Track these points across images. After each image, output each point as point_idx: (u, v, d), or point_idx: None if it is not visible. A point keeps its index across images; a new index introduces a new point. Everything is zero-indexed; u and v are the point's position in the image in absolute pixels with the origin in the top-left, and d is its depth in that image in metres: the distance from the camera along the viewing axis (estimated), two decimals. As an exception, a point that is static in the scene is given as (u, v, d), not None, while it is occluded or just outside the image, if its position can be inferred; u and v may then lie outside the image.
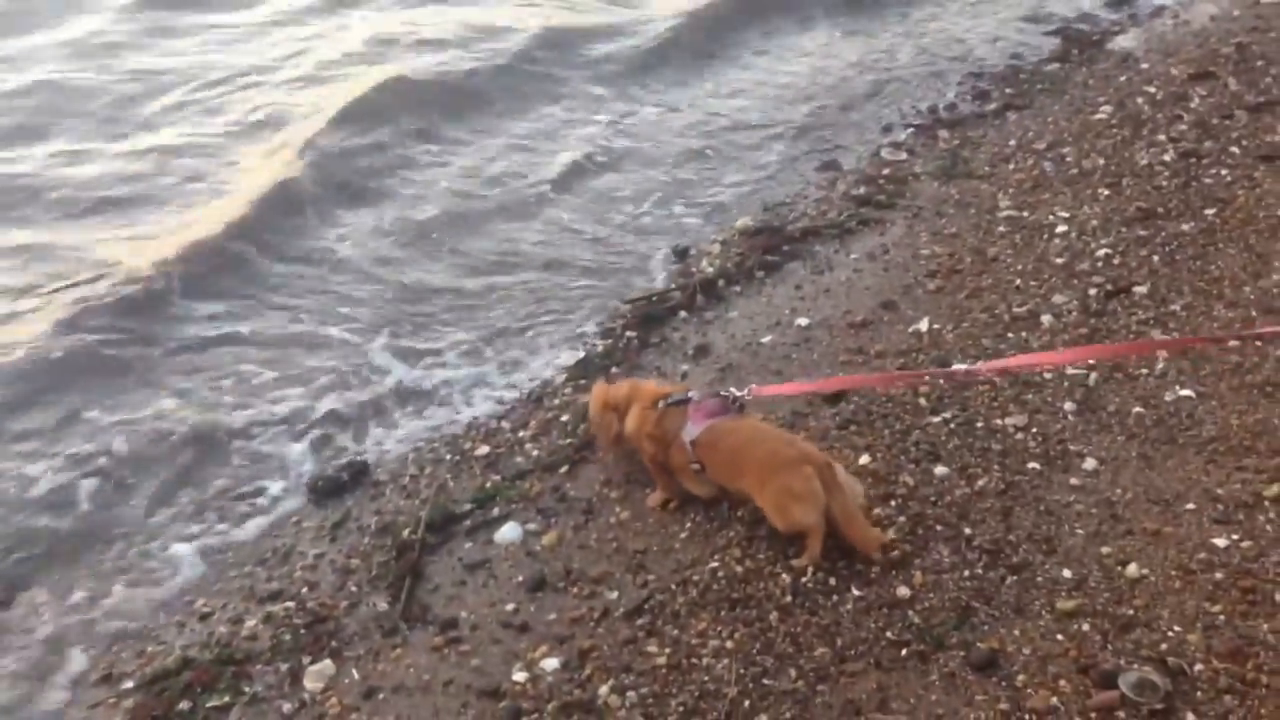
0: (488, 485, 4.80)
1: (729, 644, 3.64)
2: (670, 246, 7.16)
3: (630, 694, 3.51)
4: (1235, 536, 3.82)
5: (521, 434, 5.20)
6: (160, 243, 7.21)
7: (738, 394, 4.25)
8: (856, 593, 3.79)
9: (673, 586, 3.94)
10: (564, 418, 5.24)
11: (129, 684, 3.99)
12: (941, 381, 4.87)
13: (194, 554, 4.68)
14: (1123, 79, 8.69)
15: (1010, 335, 5.29)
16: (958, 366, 4.41)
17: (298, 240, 7.40)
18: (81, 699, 3.99)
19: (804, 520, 3.84)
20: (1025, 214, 6.64)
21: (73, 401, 5.64)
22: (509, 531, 4.43)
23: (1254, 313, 5.15)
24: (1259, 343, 4.62)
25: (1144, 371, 4.85)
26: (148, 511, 4.95)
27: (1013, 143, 7.90)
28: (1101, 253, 5.95)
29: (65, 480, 5.07)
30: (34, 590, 4.52)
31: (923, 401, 4.82)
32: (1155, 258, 5.82)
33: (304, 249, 7.31)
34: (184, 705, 3.84)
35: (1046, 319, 5.37)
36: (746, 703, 3.42)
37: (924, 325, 5.50)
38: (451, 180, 8.33)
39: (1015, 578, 3.76)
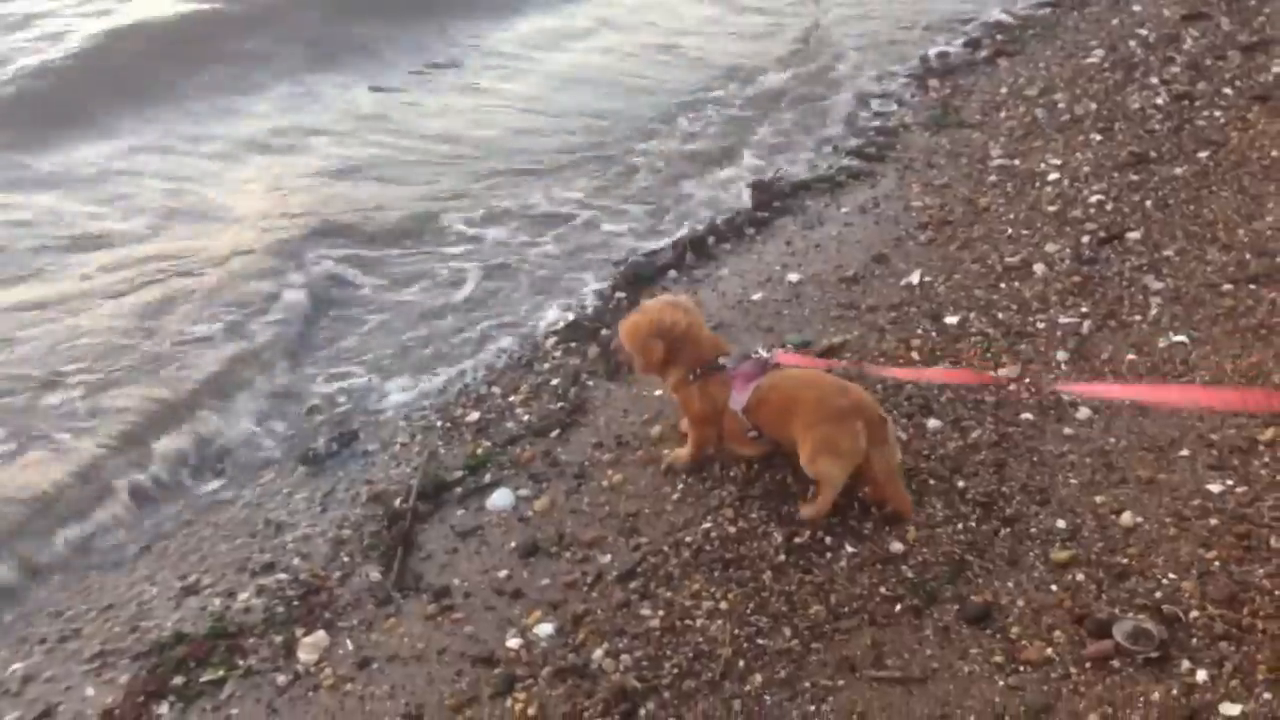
0: (479, 451, 4.76)
1: (723, 605, 3.62)
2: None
3: (624, 657, 3.50)
4: (1230, 482, 3.80)
5: (512, 399, 5.16)
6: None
7: (765, 355, 4.08)
8: (850, 549, 3.77)
9: (665, 549, 3.92)
10: (554, 381, 5.20)
11: (123, 660, 3.99)
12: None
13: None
14: (1114, 22, 8.60)
15: (1003, 286, 5.25)
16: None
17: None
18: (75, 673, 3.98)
19: (829, 474, 3.79)
20: (1017, 162, 6.58)
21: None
22: (501, 498, 4.40)
23: (1248, 255, 5.10)
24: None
25: (1137, 318, 4.81)
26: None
27: (1004, 90, 7.82)
28: (1094, 199, 5.91)
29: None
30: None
31: (915, 355, 4.79)
32: (1148, 203, 5.77)
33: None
34: (178, 680, 3.83)
35: (1039, 268, 5.33)
36: (741, 663, 3.40)
37: (915, 278, 5.46)
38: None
39: (1009, 530, 3.74)
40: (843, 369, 4.40)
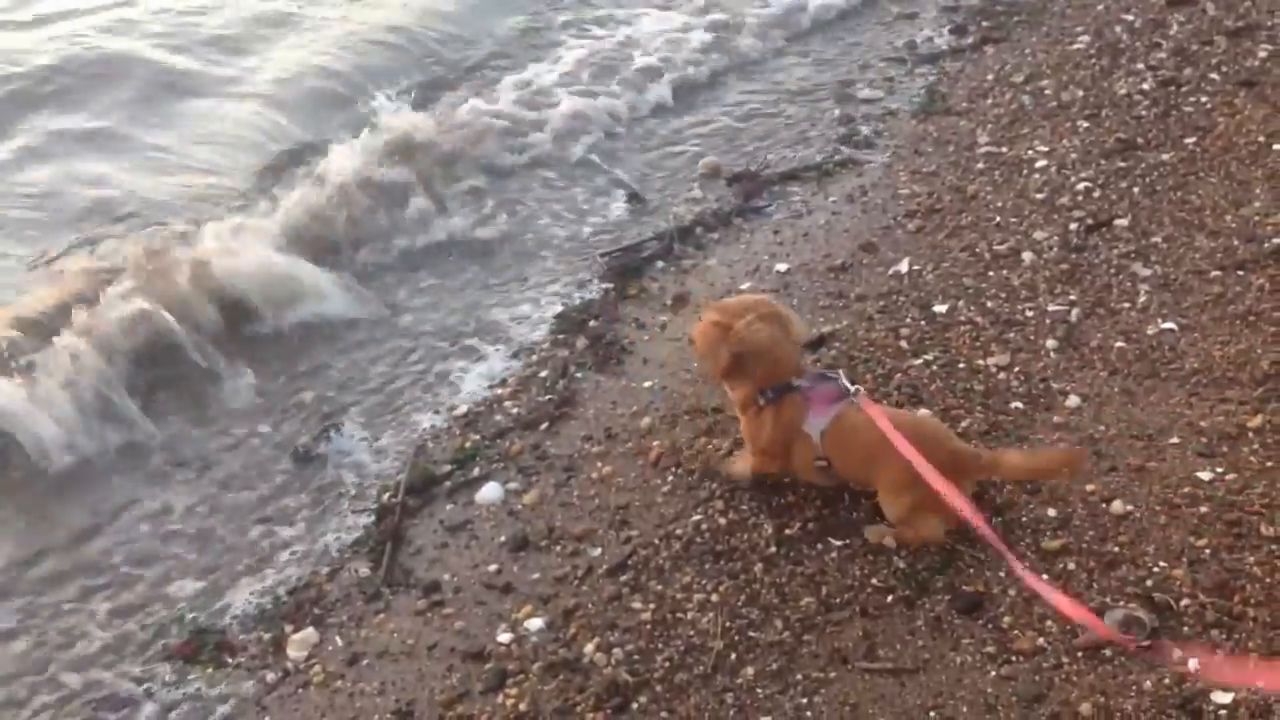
0: (467, 445, 4.74)
1: (714, 597, 3.61)
2: (626, 193, 7.09)
3: (616, 651, 3.48)
4: (1220, 469, 3.79)
5: (500, 391, 5.14)
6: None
7: (848, 384, 3.72)
8: (841, 541, 3.75)
9: (656, 541, 3.91)
10: (542, 374, 5.18)
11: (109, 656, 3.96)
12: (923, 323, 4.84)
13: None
14: (1100, 7, 8.57)
15: (991, 274, 5.24)
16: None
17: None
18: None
19: (929, 534, 3.61)
20: (1004, 149, 6.56)
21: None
22: (490, 491, 4.38)
23: (1235, 241, 5.10)
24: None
25: (1126, 306, 4.80)
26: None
27: (990, 77, 7.80)
28: (1082, 186, 5.89)
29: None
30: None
31: (904, 345, 4.78)
32: (1136, 189, 5.76)
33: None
34: (168, 677, 3.80)
35: (1027, 256, 5.32)
36: (733, 655, 3.39)
37: (904, 266, 5.44)
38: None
39: (999, 519, 3.72)
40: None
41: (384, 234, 6.68)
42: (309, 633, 3.87)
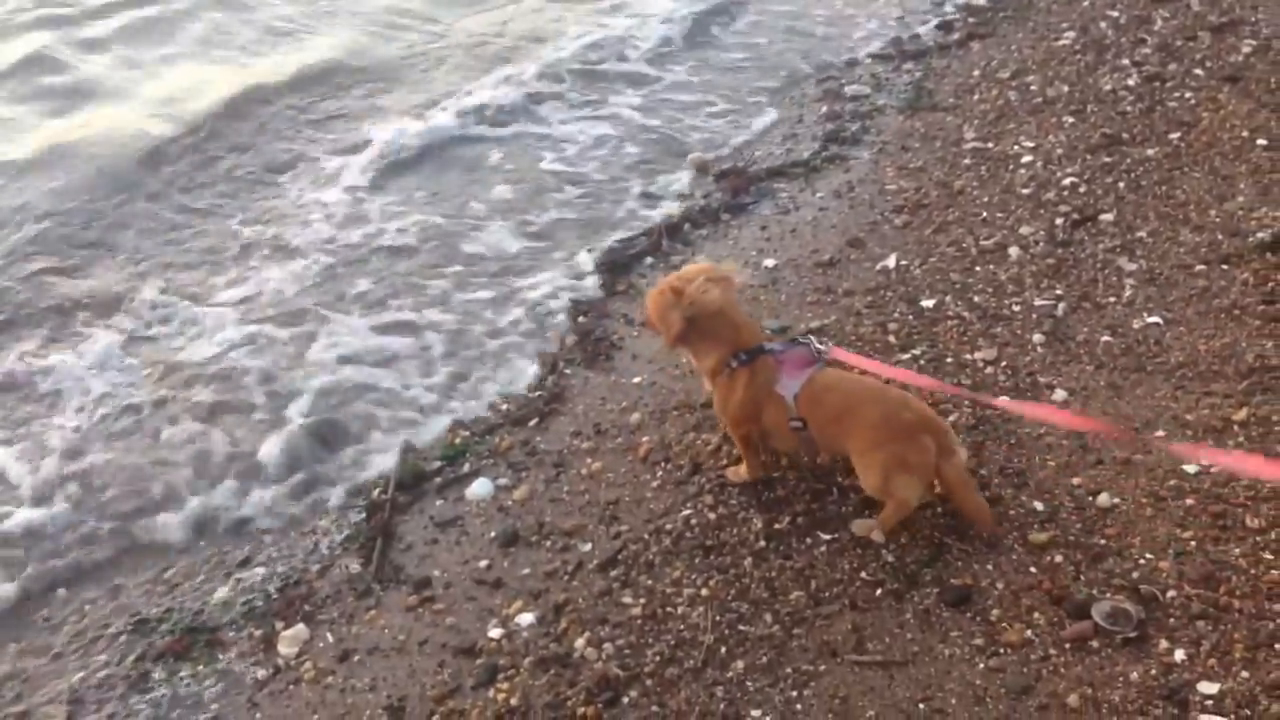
0: (457, 441, 4.75)
1: (704, 591, 3.62)
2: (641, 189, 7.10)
3: (607, 645, 3.49)
4: (1205, 462, 3.82)
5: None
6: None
7: (819, 345, 3.81)
8: (830, 535, 3.77)
9: (646, 536, 3.92)
10: (532, 369, 5.18)
11: (101, 655, 3.95)
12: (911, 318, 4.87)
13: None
14: (1085, 3, 8.61)
15: (978, 269, 5.26)
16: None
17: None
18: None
19: (905, 496, 3.59)
20: (991, 145, 6.59)
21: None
22: (480, 487, 4.39)
23: (1220, 236, 5.13)
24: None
25: (1112, 300, 4.83)
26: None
27: (977, 73, 7.83)
28: (1067, 181, 5.92)
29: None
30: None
31: (892, 339, 4.80)
32: (1121, 184, 5.80)
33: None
34: (158, 674, 3.80)
35: (1014, 251, 5.34)
36: (723, 649, 3.41)
37: (891, 262, 5.46)
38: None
39: (988, 512, 3.75)
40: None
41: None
42: (300, 629, 3.86)
